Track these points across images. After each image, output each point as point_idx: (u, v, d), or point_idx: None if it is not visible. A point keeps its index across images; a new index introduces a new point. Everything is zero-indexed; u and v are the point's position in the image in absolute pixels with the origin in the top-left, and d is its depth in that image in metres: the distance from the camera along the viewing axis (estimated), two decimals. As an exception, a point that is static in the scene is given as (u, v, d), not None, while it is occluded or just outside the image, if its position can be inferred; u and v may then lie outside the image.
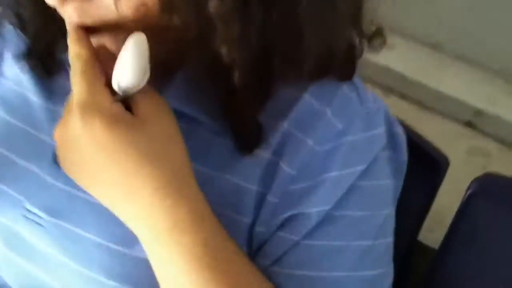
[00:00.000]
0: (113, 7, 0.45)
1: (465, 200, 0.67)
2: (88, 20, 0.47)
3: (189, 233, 0.47)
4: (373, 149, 0.55)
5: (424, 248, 0.84)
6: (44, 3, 0.47)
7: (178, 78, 0.53)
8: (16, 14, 0.57)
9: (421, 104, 1.95)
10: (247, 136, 0.52)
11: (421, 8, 1.90)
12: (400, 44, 1.91)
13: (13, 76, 0.60)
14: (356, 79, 0.57)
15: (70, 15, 0.47)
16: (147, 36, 0.47)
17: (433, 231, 0.81)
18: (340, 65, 0.54)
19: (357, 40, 0.54)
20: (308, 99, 0.54)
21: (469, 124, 1.93)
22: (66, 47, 0.50)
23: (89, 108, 0.46)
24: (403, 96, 1.94)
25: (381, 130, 0.56)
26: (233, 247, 0.50)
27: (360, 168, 0.54)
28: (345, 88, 0.55)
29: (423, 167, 0.68)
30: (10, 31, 0.60)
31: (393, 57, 1.87)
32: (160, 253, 0.48)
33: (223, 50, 0.46)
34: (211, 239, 0.48)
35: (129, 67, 0.46)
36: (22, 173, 0.56)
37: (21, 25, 0.58)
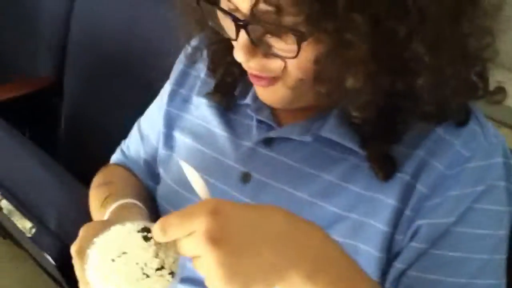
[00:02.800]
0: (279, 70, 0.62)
1: None
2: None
3: None
4: (491, 174, 0.66)
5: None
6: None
7: (331, 118, 0.68)
8: (211, 60, 0.75)
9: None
10: (382, 167, 0.66)
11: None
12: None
13: (199, 113, 0.78)
14: (480, 115, 0.69)
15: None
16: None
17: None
18: (455, 113, 0.66)
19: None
20: (440, 133, 0.66)
21: None
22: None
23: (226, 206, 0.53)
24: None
25: (498, 160, 0.67)
26: None
27: (478, 188, 0.65)
28: (471, 123, 0.67)
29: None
30: (201, 70, 0.79)
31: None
32: None
33: (355, 113, 0.61)
34: None
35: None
36: (217, 192, 0.71)
37: (213, 68, 0.75)
